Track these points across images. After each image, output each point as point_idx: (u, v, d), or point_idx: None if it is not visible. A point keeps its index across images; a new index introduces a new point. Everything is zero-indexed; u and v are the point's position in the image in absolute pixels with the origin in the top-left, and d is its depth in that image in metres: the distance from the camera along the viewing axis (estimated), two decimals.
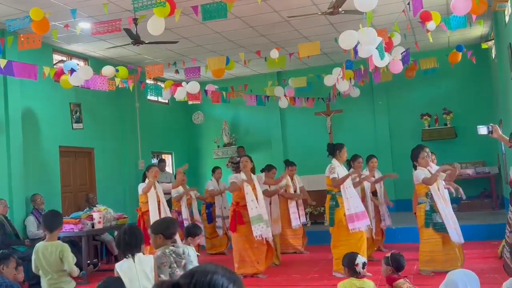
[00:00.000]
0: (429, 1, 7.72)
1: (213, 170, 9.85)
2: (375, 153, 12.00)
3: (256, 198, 7.06)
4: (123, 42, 8.42)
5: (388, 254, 4.39)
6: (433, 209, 6.39)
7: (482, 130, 4.94)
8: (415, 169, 6.64)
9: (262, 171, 8.31)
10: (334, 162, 6.82)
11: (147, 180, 7.63)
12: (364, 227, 6.62)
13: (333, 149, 6.98)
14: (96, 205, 9.05)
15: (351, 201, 6.62)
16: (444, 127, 11.90)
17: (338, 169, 6.77)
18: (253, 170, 7.45)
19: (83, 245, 7.76)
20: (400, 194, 11.78)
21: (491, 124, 5.12)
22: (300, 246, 8.84)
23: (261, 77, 12.78)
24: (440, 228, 6.34)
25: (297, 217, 8.53)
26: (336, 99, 11.41)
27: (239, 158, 11.89)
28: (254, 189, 7.12)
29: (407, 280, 4.46)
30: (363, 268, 4.33)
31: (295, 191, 8.73)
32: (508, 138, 4.99)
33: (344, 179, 6.63)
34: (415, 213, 7.04)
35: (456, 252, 6.38)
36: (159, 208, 7.47)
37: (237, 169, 7.57)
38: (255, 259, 7.02)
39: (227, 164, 12.06)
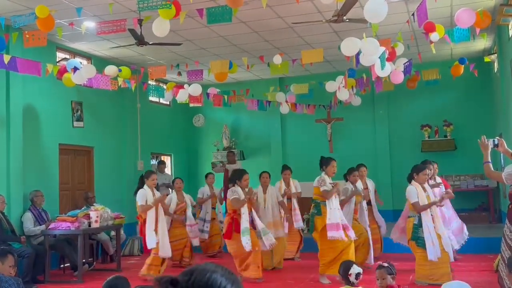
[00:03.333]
0: (434, 12, 7.75)
1: (206, 176, 10.03)
2: (374, 163, 12.12)
3: (250, 210, 7.22)
4: (127, 42, 8.44)
5: (386, 264, 4.39)
6: (421, 224, 6.45)
7: (489, 143, 4.97)
8: (410, 182, 6.73)
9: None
10: (324, 175, 7.09)
11: (145, 187, 7.65)
12: (340, 237, 6.79)
13: (321, 164, 7.27)
14: (94, 204, 9.04)
15: (335, 212, 6.87)
16: (444, 139, 11.91)
17: (328, 181, 7.08)
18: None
19: (79, 244, 7.75)
20: (397, 205, 11.77)
21: (497, 137, 5.16)
22: (294, 253, 8.82)
23: (263, 82, 12.80)
24: (421, 243, 6.44)
25: (299, 218, 8.59)
26: (337, 106, 11.42)
27: (222, 165, 11.94)
28: (249, 202, 7.25)
29: None
30: (356, 278, 4.34)
31: (289, 198, 8.69)
32: (511, 152, 5.03)
33: (330, 194, 6.93)
34: None
35: (444, 266, 6.40)
36: (156, 218, 7.54)
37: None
38: (257, 263, 7.08)
39: (214, 169, 12.06)
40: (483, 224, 10.53)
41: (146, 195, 7.55)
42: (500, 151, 5.17)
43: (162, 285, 1.19)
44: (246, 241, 6.93)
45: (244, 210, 7.12)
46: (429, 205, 6.50)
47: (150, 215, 7.46)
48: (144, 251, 7.85)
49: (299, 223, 8.59)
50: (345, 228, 6.81)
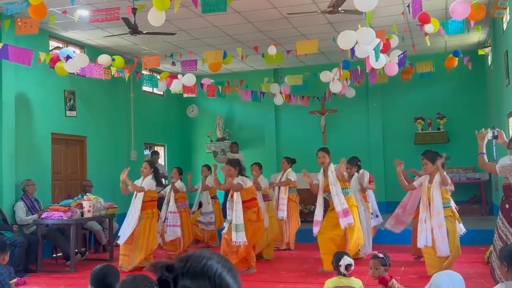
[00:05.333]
0: (429, 4, 7.74)
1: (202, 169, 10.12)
2: (368, 155, 12.15)
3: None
4: (121, 31, 8.38)
5: (381, 255, 4.40)
6: None
7: (488, 134, 5.02)
8: None
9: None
10: (322, 169, 7.21)
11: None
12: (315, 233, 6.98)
13: None
14: (87, 194, 9.02)
15: (318, 207, 7.06)
16: (437, 131, 11.94)
17: (319, 176, 7.15)
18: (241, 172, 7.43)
19: (71, 234, 7.72)
20: (390, 196, 11.84)
21: (497, 129, 5.21)
22: (282, 243, 8.85)
23: (258, 73, 12.76)
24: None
25: (285, 209, 8.55)
26: (331, 98, 11.42)
27: (224, 154, 11.99)
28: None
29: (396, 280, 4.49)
30: (346, 269, 4.36)
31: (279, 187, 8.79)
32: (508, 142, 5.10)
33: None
34: None
35: (431, 259, 6.44)
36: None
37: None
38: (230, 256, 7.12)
39: (215, 158, 12.13)
40: (474, 217, 10.60)
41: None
42: (499, 143, 5.22)
43: (157, 270, 1.18)
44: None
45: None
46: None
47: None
48: None
49: (280, 212, 8.52)
50: (342, 215, 6.83)
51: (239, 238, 6.86)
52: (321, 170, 7.12)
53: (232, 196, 7.17)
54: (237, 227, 6.89)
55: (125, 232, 7.59)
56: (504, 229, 4.86)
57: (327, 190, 7.01)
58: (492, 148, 9.97)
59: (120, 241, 7.59)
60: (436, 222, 6.35)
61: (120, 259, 7.59)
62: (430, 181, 6.47)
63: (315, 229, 6.98)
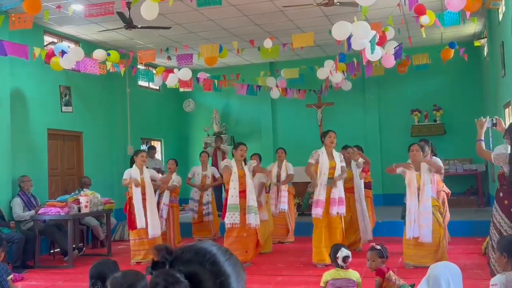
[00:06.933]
0: None
1: (200, 154, 9.88)
2: (364, 147, 12.06)
3: (242, 186, 7.07)
4: (116, 25, 8.33)
5: (378, 247, 4.41)
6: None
7: (487, 122, 5.05)
8: None
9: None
10: (322, 149, 7.04)
11: (134, 166, 7.73)
12: (319, 215, 6.77)
13: (321, 138, 7.29)
14: (83, 189, 9.00)
15: (320, 188, 6.81)
16: (434, 123, 11.96)
17: (322, 155, 6.94)
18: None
19: (68, 229, 7.72)
20: (387, 189, 11.87)
21: (496, 116, 5.24)
22: (284, 236, 8.86)
23: (254, 67, 12.73)
24: (404, 222, 6.57)
25: (286, 201, 8.57)
26: (328, 91, 11.41)
27: (217, 143, 11.97)
28: (242, 177, 7.10)
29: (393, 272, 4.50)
30: (343, 261, 4.37)
31: (278, 179, 8.74)
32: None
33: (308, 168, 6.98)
34: None
35: (425, 249, 6.42)
36: (144, 196, 7.61)
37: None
38: (244, 248, 6.99)
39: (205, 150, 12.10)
40: (471, 208, 10.66)
41: (130, 172, 7.67)
42: (498, 130, 5.26)
43: (159, 252, 1.20)
44: (228, 216, 6.93)
45: (234, 185, 7.01)
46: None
47: (136, 196, 7.55)
48: (129, 228, 7.88)
49: (281, 205, 8.53)
50: (336, 203, 6.76)
51: (256, 221, 6.98)
52: (325, 152, 6.99)
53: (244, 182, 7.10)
54: (255, 209, 7.02)
55: (155, 226, 7.63)
56: (498, 218, 4.89)
57: (330, 173, 6.88)
58: (489, 138, 9.98)
59: (154, 235, 7.58)
60: (423, 207, 6.36)
61: (136, 254, 7.60)
62: (417, 169, 6.50)
63: (319, 210, 6.75)
